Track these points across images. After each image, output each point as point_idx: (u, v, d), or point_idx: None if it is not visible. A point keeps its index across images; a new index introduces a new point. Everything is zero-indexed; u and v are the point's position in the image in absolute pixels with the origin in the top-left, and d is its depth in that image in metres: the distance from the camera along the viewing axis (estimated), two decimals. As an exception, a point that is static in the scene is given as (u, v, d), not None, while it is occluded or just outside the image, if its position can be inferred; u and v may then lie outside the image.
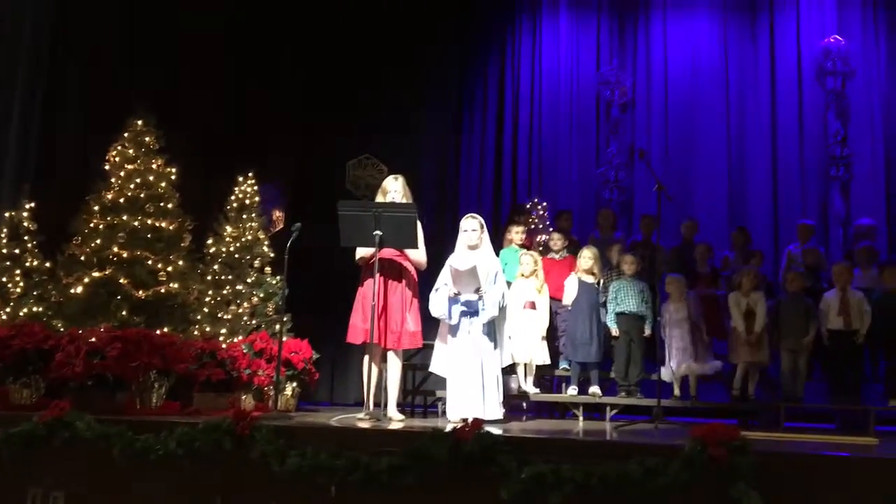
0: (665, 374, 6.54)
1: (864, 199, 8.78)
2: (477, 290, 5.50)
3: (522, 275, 6.77)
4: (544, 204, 8.96)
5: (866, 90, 9.05)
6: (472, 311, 5.55)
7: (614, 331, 6.76)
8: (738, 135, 9.38)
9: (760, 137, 9.28)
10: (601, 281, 6.92)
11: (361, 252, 5.57)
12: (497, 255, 6.20)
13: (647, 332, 6.74)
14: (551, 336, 6.94)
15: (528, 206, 8.82)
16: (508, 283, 6.20)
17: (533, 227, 8.35)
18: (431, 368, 5.85)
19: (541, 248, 7.91)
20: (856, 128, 8.98)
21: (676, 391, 6.77)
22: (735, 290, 6.83)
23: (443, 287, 5.63)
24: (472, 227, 5.71)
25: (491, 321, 5.57)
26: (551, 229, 8.33)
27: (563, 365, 6.99)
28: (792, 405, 6.52)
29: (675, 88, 9.71)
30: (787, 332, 6.66)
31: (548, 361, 6.76)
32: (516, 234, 7.41)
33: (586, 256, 6.89)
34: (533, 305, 6.70)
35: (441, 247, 6.13)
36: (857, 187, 8.87)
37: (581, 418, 6.54)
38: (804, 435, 5.30)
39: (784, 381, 6.66)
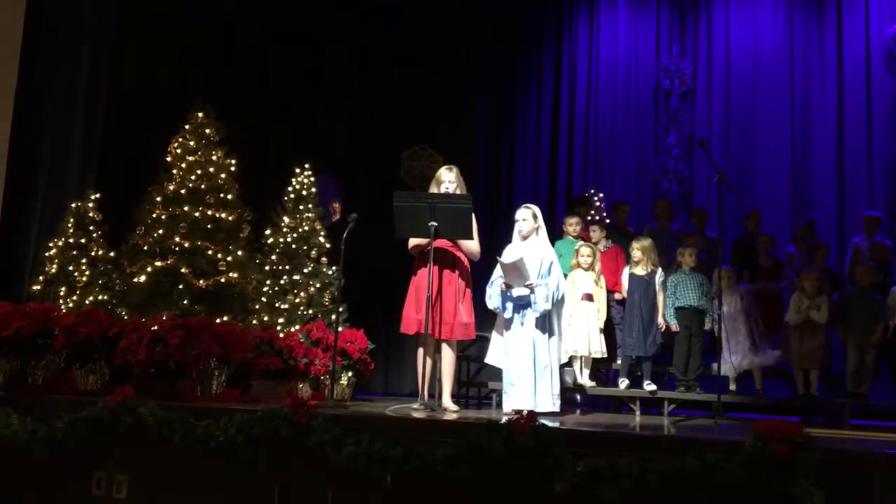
0: (725, 368, 6.42)
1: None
2: (528, 284, 5.44)
3: (580, 266, 6.70)
4: (601, 195, 8.86)
5: (939, 76, 8.72)
6: (524, 304, 5.51)
7: (674, 326, 6.65)
8: (802, 124, 9.11)
9: (826, 126, 9.00)
10: (659, 271, 6.79)
11: (415, 240, 5.57)
12: (553, 246, 6.13)
13: (708, 325, 6.61)
14: (608, 329, 6.86)
15: (584, 196, 8.73)
16: (564, 275, 6.14)
17: (589, 218, 8.25)
18: (487, 360, 5.83)
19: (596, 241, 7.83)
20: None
21: (732, 386, 6.64)
22: (798, 290, 6.65)
23: (497, 279, 5.60)
24: (523, 217, 5.65)
25: (545, 313, 5.51)
26: (608, 220, 8.24)
27: (620, 359, 6.92)
28: (857, 402, 6.34)
29: (736, 77, 9.48)
30: (855, 328, 6.47)
31: (605, 354, 6.69)
32: (570, 225, 7.34)
33: (635, 248, 6.80)
34: (590, 297, 6.63)
35: (496, 238, 6.11)
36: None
37: (638, 413, 6.46)
38: (869, 433, 5.14)
39: (850, 377, 6.47)
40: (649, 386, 6.51)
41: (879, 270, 6.97)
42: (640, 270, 6.76)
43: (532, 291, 5.43)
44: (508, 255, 5.54)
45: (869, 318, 6.46)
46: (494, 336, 5.77)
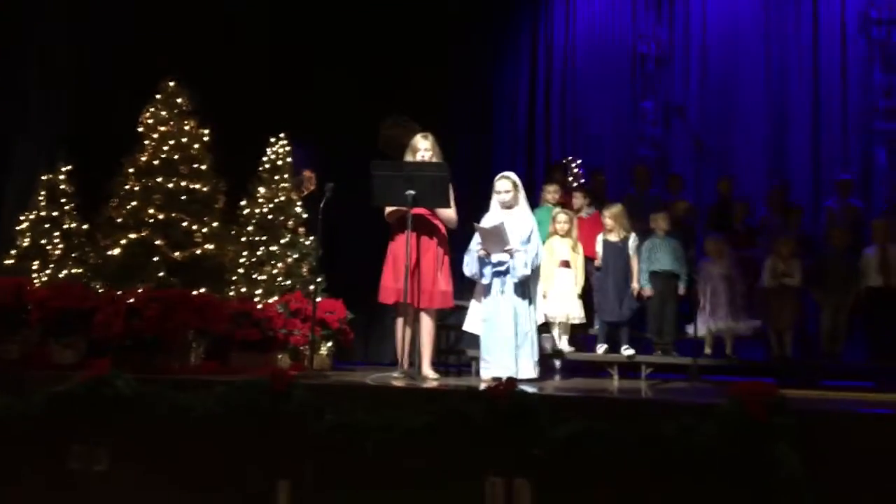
0: (702, 330, 6.49)
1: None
2: (508, 249, 5.44)
3: (557, 233, 6.71)
4: (578, 162, 8.85)
5: (913, 40, 8.75)
6: (503, 271, 5.51)
7: (648, 290, 6.71)
8: (778, 88, 9.13)
9: (802, 90, 9.03)
10: (632, 237, 6.83)
11: (392, 208, 5.55)
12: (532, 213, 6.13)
13: (682, 290, 6.67)
14: (587, 295, 6.90)
15: (562, 163, 8.72)
16: (543, 242, 6.15)
17: (567, 185, 8.25)
18: (465, 327, 5.84)
19: (575, 208, 7.84)
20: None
21: (708, 349, 6.72)
22: (774, 254, 6.72)
23: (476, 247, 5.60)
24: (504, 189, 5.64)
25: (524, 280, 5.53)
26: (586, 187, 8.24)
27: (598, 325, 6.96)
28: (831, 363, 6.44)
29: (713, 42, 9.47)
30: (829, 290, 6.56)
31: (583, 320, 6.74)
32: (549, 192, 7.34)
33: (606, 216, 6.83)
34: (567, 264, 6.66)
35: (474, 205, 6.08)
36: (902, 141, 8.63)
37: (616, 377, 6.52)
38: (843, 393, 5.23)
39: (824, 339, 6.57)
40: (627, 351, 6.58)
41: (853, 233, 7.05)
42: (613, 237, 6.80)
43: (511, 257, 5.43)
44: (488, 221, 5.54)
45: (843, 281, 6.55)
46: (473, 304, 5.78)
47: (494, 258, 5.49)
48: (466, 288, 5.95)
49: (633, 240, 6.81)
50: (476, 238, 5.60)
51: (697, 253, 6.74)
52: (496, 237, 5.38)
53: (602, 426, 3.56)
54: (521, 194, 5.73)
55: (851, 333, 6.80)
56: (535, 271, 5.67)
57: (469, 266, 5.63)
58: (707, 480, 3.42)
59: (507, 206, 5.64)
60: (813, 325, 6.91)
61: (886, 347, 6.40)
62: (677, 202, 7.63)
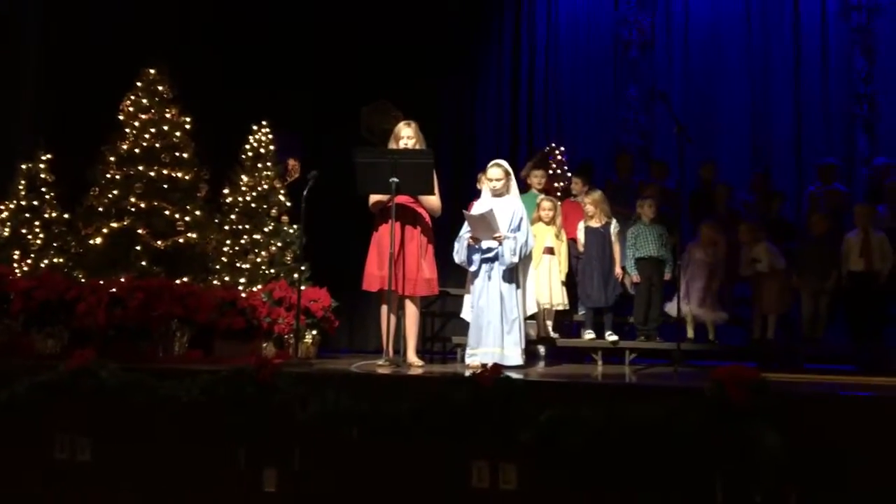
0: (674, 310, 6.52)
1: (889, 137, 8.59)
2: (497, 236, 5.44)
3: (541, 220, 6.72)
4: (562, 149, 8.86)
5: (893, 26, 8.79)
6: (492, 258, 5.51)
7: (635, 277, 6.74)
8: (761, 74, 9.17)
9: (783, 76, 9.07)
10: (613, 223, 6.85)
11: (375, 196, 5.53)
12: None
13: (668, 275, 6.71)
14: (571, 281, 6.93)
15: (545, 150, 8.72)
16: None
17: (551, 172, 8.26)
18: (463, 314, 5.83)
19: (559, 194, 7.85)
20: (882, 64, 8.74)
21: (690, 333, 6.77)
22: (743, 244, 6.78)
23: (465, 234, 5.60)
24: (496, 177, 5.61)
25: (512, 267, 5.53)
26: (569, 174, 8.25)
27: (582, 310, 6.99)
28: (812, 347, 6.50)
29: (695, 27, 9.49)
30: (810, 275, 6.62)
31: (567, 306, 6.76)
32: (535, 178, 7.33)
33: (587, 203, 6.86)
34: (551, 251, 6.67)
35: (459, 194, 6.09)
36: (883, 126, 8.69)
37: (600, 363, 6.56)
38: (824, 376, 5.28)
39: (805, 323, 6.63)
40: (611, 336, 6.61)
41: (834, 218, 7.10)
42: (594, 223, 6.83)
43: (500, 244, 5.44)
44: (478, 209, 5.53)
45: (824, 266, 6.61)
46: (467, 295, 5.78)
47: (484, 245, 5.49)
48: (452, 275, 5.94)
49: (614, 226, 6.85)
50: (466, 226, 5.60)
51: (683, 238, 6.76)
52: (485, 224, 5.37)
53: (586, 411, 3.58)
54: (513, 182, 5.74)
55: (833, 318, 6.87)
56: (525, 259, 5.67)
57: (458, 253, 5.63)
58: (690, 464, 3.46)
59: (498, 193, 5.63)
60: (794, 310, 6.96)
61: (867, 331, 6.47)
62: (651, 185, 7.63)
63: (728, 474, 3.39)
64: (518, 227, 5.51)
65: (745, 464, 3.32)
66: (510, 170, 5.70)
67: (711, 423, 3.41)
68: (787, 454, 3.27)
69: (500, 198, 5.62)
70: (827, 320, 6.75)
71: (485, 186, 5.72)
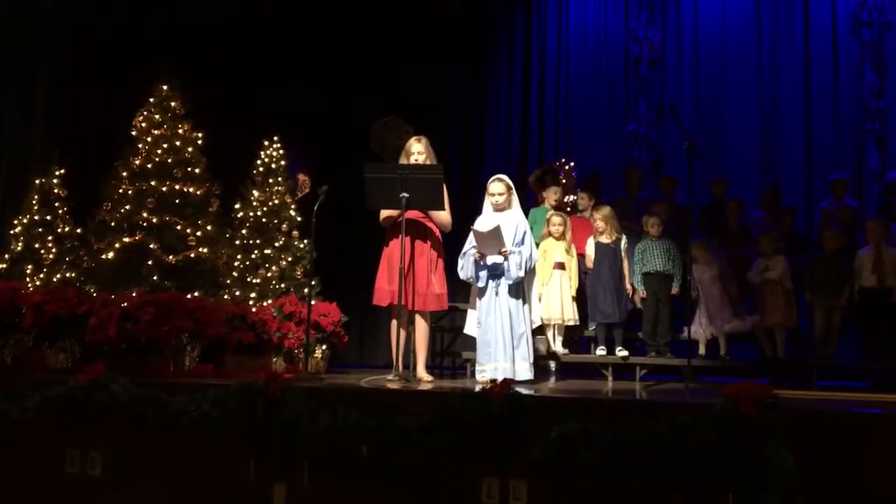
0: (694, 331, 6.51)
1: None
2: (503, 252, 5.44)
3: (552, 236, 6.72)
4: (572, 164, 8.87)
5: (904, 41, 8.80)
6: (498, 273, 5.51)
7: (641, 292, 6.72)
8: (770, 90, 9.17)
9: (794, 92, 9.07)
10: (623, 238, 6.85)
11: (386, 211, 5.55)
12: (526, 214, 6.14)
13: (675, 290, 6.69)
14: (581, 296, 6.91)
15: (555, 165, 8.73)
16: (536, 244, 6.16)
17: (563, 187, 8.25)
18: (466, 330, 5.83)
19: (569, 209, 7.85)
20: (893, 80, 8.73)
21: (702, 350, 6.74)
22: (760, 255, 6.77)
23: (470, 249, 5.60)
24: (498, 192, 5.62)
25: (518, 282, 5.52)
26: (579, 189, 8.26)
27: (592, 326, 6.97)
28: (824, 363, 6.45)
29: (705, 43, 9.51)
30: (822, 291, 6.58)
31: (577, 322, 6.75)
32: (551, 194, 7.31)
33: (597, 218, 6.85)
34: (562, 266, 6.67)
35: (468, 208, 6.09)
36: (894, 141, 8.66)
37: (610, 378, 6.53)
38: (837, 393, 5.24)
39: (818, 339, 6.59)
40: (621, 352, 6.59)
41: (846, 234, 7.08)
42: (604, 239, 6.82)
43: (506, 259, 5.43)
44: (482, 224, 5.53)
45: (835, 282, 6.57)
46: (470, 310, 5.77)
47: (489, 260, 5.49)
48: (461, 291, 5.94)
49: (624, 241, 6.84)
50: (470, 241, 5.60)
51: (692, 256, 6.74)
52: (493, 239, 5.37)
53: (597, 427, 3.57)
54: (514, 197, 5.73)
55: (844, 334, 6.82)
56: (530, 273, 5.67)
57: (464, 269, 5.62)
58: (702, 481, 3.43)
59: (500, 208, 5.63)
60: (806, 326, 6.93)
61: (880, 347, 6.42)
62: (658, 203, 7.62)
63: (740, 491, 3.37)
64: (522, 241, 5.51)
65: (755, 481, 3.30)
66: (511, 184, 5.70)
67: (723, 439, 3.39)
68: (799, 471, 3.24)
69: (502, 212, 5.62)
70: (839, 337, 6.71)
71: (486, 201, 5.73)
